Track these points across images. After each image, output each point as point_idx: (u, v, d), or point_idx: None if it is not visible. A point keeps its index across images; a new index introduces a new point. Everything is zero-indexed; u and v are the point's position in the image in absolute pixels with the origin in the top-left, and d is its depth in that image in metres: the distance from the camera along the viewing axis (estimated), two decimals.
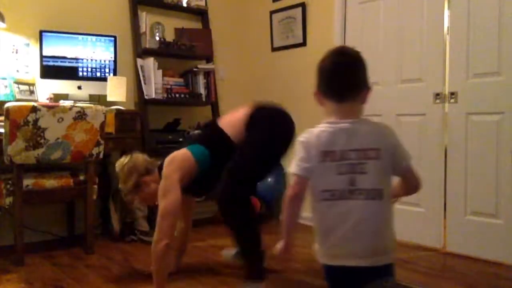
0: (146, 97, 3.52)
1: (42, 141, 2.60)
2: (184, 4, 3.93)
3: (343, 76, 1.50)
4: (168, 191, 2.05)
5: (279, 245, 1.56)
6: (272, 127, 2.24)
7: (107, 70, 3.38)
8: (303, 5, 3.80)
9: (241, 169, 2.12)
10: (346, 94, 1.49)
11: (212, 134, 2.31)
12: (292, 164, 1.45)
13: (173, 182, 2.07)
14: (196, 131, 2.42)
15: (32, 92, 3.11)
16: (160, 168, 2.21)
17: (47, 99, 3.14)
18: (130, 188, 2.28)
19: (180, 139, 3.62)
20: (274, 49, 4.11)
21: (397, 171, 1.56)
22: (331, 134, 1.44)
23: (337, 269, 1.43)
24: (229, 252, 2.54)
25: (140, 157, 2.32)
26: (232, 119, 2.29)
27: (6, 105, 2.53)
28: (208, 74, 3.85)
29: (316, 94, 1.56)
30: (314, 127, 1.48)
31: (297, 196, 1.44)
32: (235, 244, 2.24)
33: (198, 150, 2.19)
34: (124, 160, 2.32)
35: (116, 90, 3.27)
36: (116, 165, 2.34)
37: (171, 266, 2.32)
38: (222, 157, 2.19)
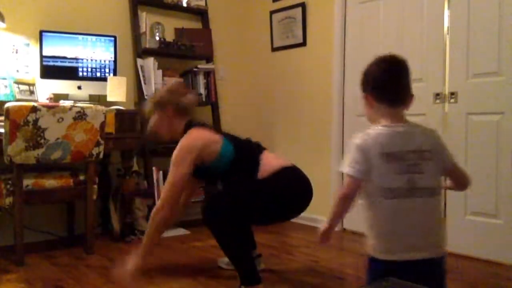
0: (146, 97, 3.52)
1: (42, 141, 2.60)
2: (184, 4, 3.93)
3: (398, 83, 1.60)
4: (179, 164, 2.14)
5: (321, 228, 1.64)
6: (294, 194, 2.22)
7: (107, 70, 3.38)
8: (303, 5, 3.80)
9: (239, 201, 2.11)
10: (399, 99, 1.59)
11: (247, 153, 2.29)
12: (346, 165, 1.58)
13: (188, 157, 2.14)
14: (242, 138, 2.40)
15: (32, 92, 3.11)
16: (188, 126, 2.27)
17: (47, 99, 3.14)
18: (158, 101, 2.34)
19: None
20: (274, 49, 4.11)
21: (446, 171, 1.69)
22: (388, 136, 1.53)
23: (396, 263, 1.50)
24: (224, 259, 2.54)
25: (191, 97, 2.39)
26: (271, 161, 2.26)
27: (6, 105, 2.53)
28: (208, 74, 3.85)
29: (367, 97, 1.64)
30: (371, 129, 1.57)
31: (349, 197, 1.56)
32: (224, 253, 2.23)
33: (228, 148, 2.22)
34: (181, 83, 2.39)
35: (116, 90, 3.27)
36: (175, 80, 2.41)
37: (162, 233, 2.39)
38: (237, 172, 2.22)
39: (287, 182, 2.21)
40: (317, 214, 3.56)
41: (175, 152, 2.17)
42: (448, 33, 2.97)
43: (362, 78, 1.69)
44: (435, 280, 1.62)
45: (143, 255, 2.22)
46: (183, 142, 2.20)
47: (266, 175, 2.19)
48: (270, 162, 2.25)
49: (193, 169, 2.19)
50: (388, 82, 1.61)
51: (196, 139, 2.20)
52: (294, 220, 2.23)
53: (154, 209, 2.18)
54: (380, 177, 1.50)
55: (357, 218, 3.61)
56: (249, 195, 2.14)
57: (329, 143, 3.64)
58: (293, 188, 2.22)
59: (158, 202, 2.18)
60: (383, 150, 1.51)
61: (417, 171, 1.52)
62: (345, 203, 1.57)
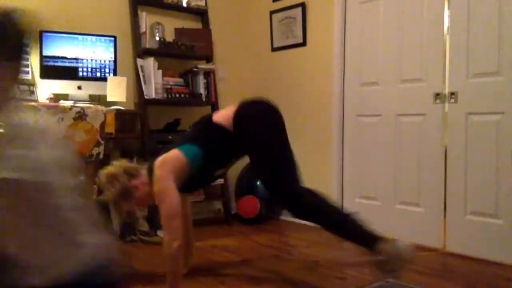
0: (146, 97, 3.52)
1: None
2: (184, 4, 3.94)
3: None
4: (166, 194, 2.05)
5: None
6: (266, 123, 2.25)
7: (107, 70, 3.38)
8: (303, 5, 3.80)
9: (273, 180, 2.15)
10: None
11: (206, 129, 2.29)
12: None
13: (168, 183, 2.07)
14: (187, 131, 2.38)
15: (32, 92, 3.11)
16: (150, 170, 2.19)
17: (47, 99, 3.14)
18: (117, 196, 2.22)
19: None
20: (274, 49, 4.11)
21: None
22: None
23: None
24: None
25: (117, 165, 2.27)
26: (223, 114, 2.30)
27: None
28: (208, 74, 3.85)
29: None
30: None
31: None
32: (334, 234, 2.17)
33: (189, 150, 2.19)
34: (102, 172, 2.27)
35: (116, 90, 3.27)
36: (96, 180, 2.29)
37: (183, 267, 2.33)
38: (217, 150, 2.23)
39: (252, 120, 2.24)
40: None
41: (155, 190, 2.09)
42: (448, 33, 2.97)
43: None
44: None
45: None
46: (155, 177, 2.12)
47: (230, 123, 2.22)
48: (222, 116, 2.28)
49: (183, 187, 2.15)
50: None
51: (162, 166, 2.13)
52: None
53: (164, 248, 2.02)
54: None
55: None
56: (270, 170, 2.16)
57: (329, 143, 3.64)
58: (258, 117, 2.26)
59: (165, 238, 2.03)
60: None
61: None
62: None
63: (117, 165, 2.28)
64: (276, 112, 2.31)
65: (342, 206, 3.60)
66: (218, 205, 4.12)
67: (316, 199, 2.14)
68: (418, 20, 3.10)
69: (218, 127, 2.24)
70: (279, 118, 2.31)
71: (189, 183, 2.22)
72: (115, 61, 3.41)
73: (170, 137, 3.54)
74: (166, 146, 2.32)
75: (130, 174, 2.24)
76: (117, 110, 3.16)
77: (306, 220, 2.18)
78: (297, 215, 2.16)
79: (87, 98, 3.31)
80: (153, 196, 2.23)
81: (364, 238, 2.08)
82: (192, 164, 2.17)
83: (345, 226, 2.12)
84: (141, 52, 3.58)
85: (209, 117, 2.33)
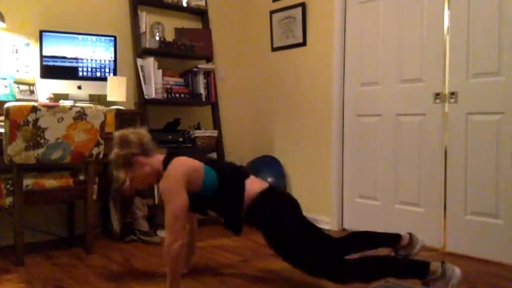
0: (146, 97, 3.52)
1: (42, 141, 2.60)
2: (184, 4, 3.94)
3: None
4: (175, 194, 2.03)
5: None
6: (290, 209, 2.20)
7: (107, 70, 3.38)
8: (303, 5, 3.80)
9: (312, 264, 2.07)
10: None
11: (233, 176, 2.24)
12: None
13: (180, 185, 2.05)
14: (224, 162, 2.32)
15: (32, 92, 3.11)
16: (167, 160, 2.17)
17: (47, 99, 3.14)
18: (119, 159, 2.18)
19: (180, 139, 3.63)
20: (274, 49, 4.11)
21: None
22: None
23: None
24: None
25: (138, 133, 2.23)
26: (254, 188, 2.22)
27: (6, 105, 2.53)
28: (208, 74, 3.85)
29: None
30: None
31: None
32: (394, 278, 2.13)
33: (211, 173, 2.17)
34: (121, 131, 2.22)
35: (116, 90, 3.27)
36: (115, 133, 2.24)
37: (184, 267, 2.32)
38: (224, 199, 2.18)
39: (283, 203, 2.20)
40: (317, 214, 3.57)
41: (164, 187, 2.06)
42: (448, 33, 2.97)
43: None
44: None
45: None
46: (168, 173, 2.09)
47: (252, 200, 2.16)
48: (252, 186, 2.20)
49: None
50: None
51: (179, 167, 2.11)
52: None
53: (165, 246, 2.00)
54: None
55: (357, 218, 3.61)
56: (306, 254, 2.09)
57: (329, 143, 3.64)
58: (289, 205, 2.21)
59: (167, 238, 2.00)
60: None
61: None
62: None
63: (138, 134, 2.23)
64: (294, 203, 2.25)
65: (342, 206, 3.59)
66: None
67: (361, 266, 2.04)
68: (418, 20, 3.10)
69: (243, 186, 2.18)
70: (297, 207, 2.24)
71: (195, 201, 2.16)
72: (115, 61, 3.41)
73: (170, 137, 3.54)
74: (193, 155, 2.28)
75: (144, 150, 2.20)
76: (117, 110, 3.16)
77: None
78: (346, 283, 2.08)
79: (87, 98, 3.31)
80: (149, 181, 2.22)
81: (415, 270, 2.05)
82: (203, 186, 2.14)
83: (396, 270, 2.07)
84: (141, 52, 3.58)
85: (243, 174, 2.26)
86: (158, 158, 2.23)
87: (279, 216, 2.15)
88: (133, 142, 2.19)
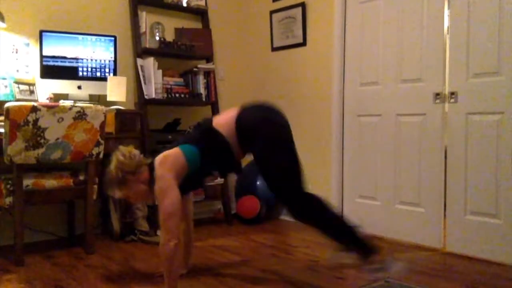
0: (146, 97, 3.52)
1: (42, 141, 2.60)
2: (184, 4, 3.93)
3: None
4: (166, 192, 2.05)
5: None
6: (270, 131, 2.24)
7: (107, 70, 3.38)
8: (303, 5, 3.80)
9: (280, 186, 2.16)
10: None
11: (205, 133, 2.28)
12: None
13: (169, 181, 2.07)
14: (189, 130, 2.37)
15: (32, 92, 3.11)
16: (151, 167, 2.19)
17: (47, 99, 3.14)
18: (113, 180, 2.20)
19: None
20: (274, 49, 4.11)
21: None
22: None
23: None
24: (333, 253, 2.54)
25: (120, 155, 2.23)
26: (225, 119, 2.28)
27: (6, 105, 2.53)
28: (208, 74, 3.85)
29: None
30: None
31: None
32: (332, 241, 2.21)
33: (188, 150, 2.19)
34: (120, 152, 2.23)
35: (116, 90, 3.27)
36: (113, 155, 2.25)
37: (181, 267, 2.32)
38: (214, 155, 2.22)
39: (254, 125, 2.23)
40: None
41: (157, 185, 2.08)
42: (448, 33, 2.97)
43: None
44: None
45: None
46: (157, 173, 2.11)
47: (230, 129, 2.22)
48: (223, 121, 2.26)
49: (181, 186, 2.13)
50: None
51: (163, 163, 2.13)
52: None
53: (160, 245, 2.02)
54: None
55: (357, 218, 3.60)
56: (278, 172, 2.17)
57: (329, 143, 3.64)
58: (261, 120, 2.25)
59: (162, 236, 2.02)
60: None
61: None
62: None
63: (120, 155, 2.23)
64: (279, 116, 2.30)
65: (342, 206, 3.60)
66: (218, 205, 4.12)
67: (319, 206, 2.16)
68: (418, 20, 3.10)
69: (217, 133, 2.23)
70: (283, 122, 2.31)
71: (186, 182, 2.21)
72: (115, 61, 3.41)
73: (170, 137, 3.54)
74: (167, 146, 2.31)
75: (128, 171, 2.21)
76: (117, 110, 3.16)
77: (307, 224, 2.19)
78: (299, 219, 2.18)
79: (87, 98, 3.31)
80: (148, 195, 2.24)
81: (361, 246, 2.16)
82: (189, 164, 2.17)
83: (344, 234, 2.17)
84: (141, 52, 3.58)
85: (210, 121, 2.32)
86: (144, 169, 2.23)
87: (271, 142, 2.21)
88: (119, 165, 2.19)
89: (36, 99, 3.09)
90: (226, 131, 2.23)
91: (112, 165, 2.20)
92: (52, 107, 2.62)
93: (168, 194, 2.05)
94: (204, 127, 2.31)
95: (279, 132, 2.27)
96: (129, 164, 2.19)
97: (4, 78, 3.03)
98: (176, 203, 2.04)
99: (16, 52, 3.13)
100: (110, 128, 3.01)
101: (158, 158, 2.17)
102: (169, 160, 2.15)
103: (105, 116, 2.83)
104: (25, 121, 2.53)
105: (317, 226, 2.18)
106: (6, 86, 3.02)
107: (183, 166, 2.16)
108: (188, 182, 2.22)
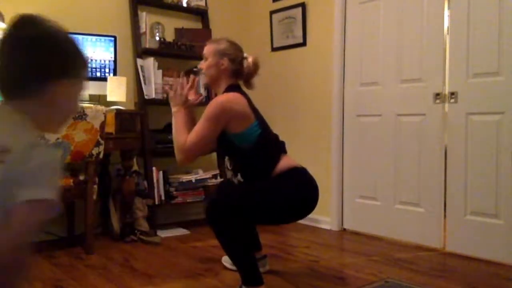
0: (146, 97, 3.52)
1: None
2: (184, 4, 3.93)
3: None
4: (213, 120, 2.11)
5: None
6: (300, 199, 2.23)
7: (107, 70, 3.38)
8: (303, 5, 3.80)
9: (243, 202, 2.11)
10: None
11: (274, 142, 2.30)
12: None
13: (223, 117, 2.12)
14: (271, 130, 2.37)
15: None
16: (232, 87, 2.28)
17: None
18: (227, 51, 2.34)
19: None
20: (274, 49, 4.11)
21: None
22: None
23: None
24: (227, 258, 2.53)
25: (250, 60, 2.39)
26: (290, 160, 2.30)
27: None
28: None
29: None
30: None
31: None
32: (225, 252, 2.21)
33: (255, 130, 2.18)
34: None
35: (116, 90, 3.27)
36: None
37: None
38: (251, 159, 2.22)
39: (296, 185, 2.20)
40: (317, 215, 3.56)
41: (210, 106, 2.13)
42: (448, 33, 2.97)
43: None
44: None
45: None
46: (221, 99, 2.16)
47: (276, 174, 2.19)
48: (283, 162, 2.24)
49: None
50: None
51: (234, 102, 2.16)
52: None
53: (180, 145, 2.18)
54: None
55: (357, 219, 3.60)
56: (255, 195, 2.13)
57: (329, 143, 3.64)
58: (301, 193, 2.21)
59: (186, 143, 2.15)
60: None
61: None
62: None
63: (249, 60, 2.40)
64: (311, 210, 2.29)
65: (342, 206, 3.59)
66: None
67: (237, 225, 2.08)
68: (418, 20, 3.10)
69: (279, 153, 2.27)
70: (307, 213, 2.28)
71: (224, 140, 2.20)
72: (115, 61, 3.41)
73: (170, 137, 3.53)
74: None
75: (229, 54, 2.33)
76: (117, 110, 3.16)
77: (213, 229, 2.12)
78: (208, 221, 2.12)
79: (87, 98, 3.31)
80: (214, 80, 2.35)
81: (249, 274, 2.10)
82: (244, 135, 2.16)
83: (239, 258, 2.14)
84: (141, 52, 3.58)
85: (282, 147, 2.36)
86: (229, 82, 2.33)
87: (276, 191, 2.17)
88: (233, 48, 2.37)
89: None
90: (285, 162, 2.25)
91: (228, 40, 2.38)
92: None
93: (211, 123, 2.12)
94: (279, 143, 2.35)
95: (293, 218, 2.30)
96: (234, 53, 2.33)
97: None
98: (210, 135, 2.13)
99: None
100: (110, 128, 3.01)
101: (240, 94, 2.23)
102: (243, 107, 2.17)
103: (105, 116, 2.83)
104: None
105: (218, 235, 2.11)
106: None
107: (236, 129, 2.15)
108: (222, 143, 2.22)
